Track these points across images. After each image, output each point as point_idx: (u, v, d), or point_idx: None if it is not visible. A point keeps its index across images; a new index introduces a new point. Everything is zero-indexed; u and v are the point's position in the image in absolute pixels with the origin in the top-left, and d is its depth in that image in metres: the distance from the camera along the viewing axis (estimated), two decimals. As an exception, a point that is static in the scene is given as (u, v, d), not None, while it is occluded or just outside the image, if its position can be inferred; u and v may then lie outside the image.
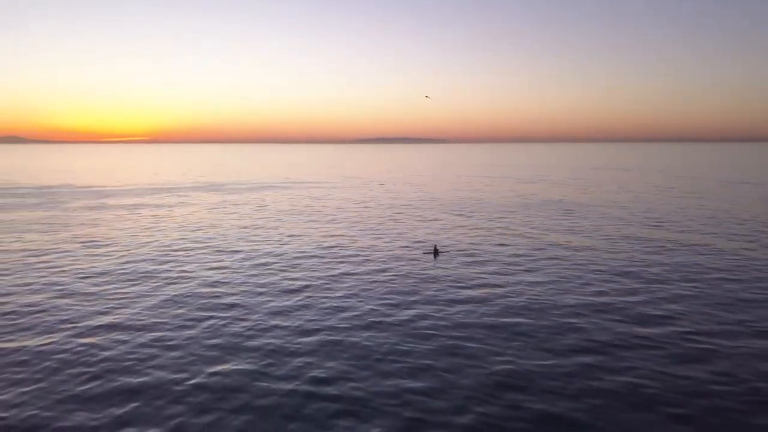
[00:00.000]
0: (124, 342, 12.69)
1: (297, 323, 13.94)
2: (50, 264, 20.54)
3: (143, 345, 12.52)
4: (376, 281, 17.98)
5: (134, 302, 15.74)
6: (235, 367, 11.31)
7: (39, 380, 10.75)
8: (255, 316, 14.48)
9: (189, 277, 18.51)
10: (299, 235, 26.88)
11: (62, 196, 47.38)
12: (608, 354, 11.93)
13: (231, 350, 12.23)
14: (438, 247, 22.95)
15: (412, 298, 16.04)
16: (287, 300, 15.93)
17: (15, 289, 17.14)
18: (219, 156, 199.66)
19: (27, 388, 10.39)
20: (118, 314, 14.67)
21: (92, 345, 12.50)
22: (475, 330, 13.40)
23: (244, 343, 12.62)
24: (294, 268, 19.89)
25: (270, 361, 11.65)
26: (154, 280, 18.15)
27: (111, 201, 43.84)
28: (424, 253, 22.28)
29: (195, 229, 29.09)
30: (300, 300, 15.93)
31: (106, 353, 12.04)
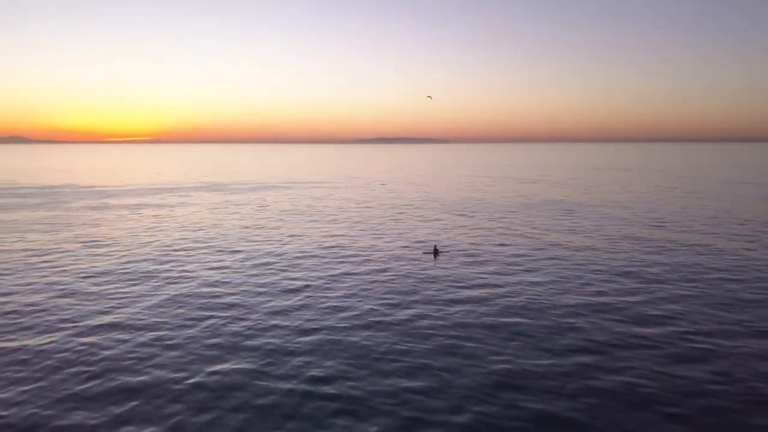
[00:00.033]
0: (124, 341, 12.76)
1: (296, 323, 13.99)
2: (52, 264, 20.62)
3: (143, 344, 12.58)
4: (375, 281, 18.02)
5: (135, 302, 15.81)
6: (234, 367, 11.36)
7: (39, 379, 10.81)
8: (255, 316, 14.53)
9: (189, 277, 18.58)
10: (300, 235, 26.94)
11: (64, 196, 47.51)
12: (606, 354, 11.96)
13: (230, 349, 12.29)
14: (438, 247, 22.98)
15: (412, 298, 16.08)
16: (287, 300, 15.98)
17: (17, 288, 17.22)
18: (220, 156, 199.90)
19: (28, 387, 10.46)
20: (118, 314, 14.74)
21: (93, 344, 12.56)
22: (473, 330, 13.44)
23: (244, 343, 12.67)
24: (294, 268, 19.94)
25: (269, 360, 11.70)
26: (155, 280, 18.21)
27: (113, 201, 43.94)
28: (424, 253, 22.32)
29: (196, 229, 29.16)
30: (300, 300, 15.98)
31: (107, 352, 12.10)
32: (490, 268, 19.69)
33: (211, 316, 14.51)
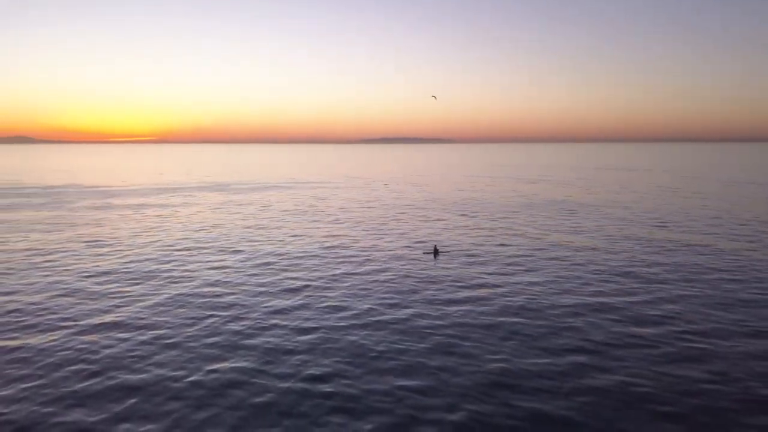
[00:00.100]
0: (125, 340, 12.88)
1: (296, 322, 14.08)
2: (54, 263, 20.78)
3: (144, 343, 12.70)
4: (375, 281, 18.11)
5: (136, 301, 15.93)
6: (233, 365, 11.46)
7: (41, 377, 10.94)
8: (254, 315, 14.64)
9: (191, 277, 18.70)
10: (301, 235, 27.05)
11: (68, 196, 47.75)
12: (603, 353, 12.01)
13: (230, 348, 12.39)
14: (438, 247, 23.05)
15: (411, 298, 16.16)
16: (287, 299, 16.08)
17: (19, 287, 17.37)
18: (224, 156, 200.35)
19: (29, 384, 10.58)
20: (119, 313, 14.86)
21: (93, 343, 12.69)
22: (471, 329, 13.51)
23: (243, 342, 12.77)
24: (295, 267, 20.05)
25: (268, 359, 11.80)
26: (157, 280, 18.34)
27: (116, 201, 44.16)
28: (424, 253, 22.39)
29: (198, 229, 29.31)
30: (300, 299, 16.08)
31: (107, 351, 12.22)
32: (490, 268, 19.75)
33: (212, 316, 14.62)
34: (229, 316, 14.61)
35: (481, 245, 24.19)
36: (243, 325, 13.84)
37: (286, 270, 19.66)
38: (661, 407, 9.71)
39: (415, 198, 45.79)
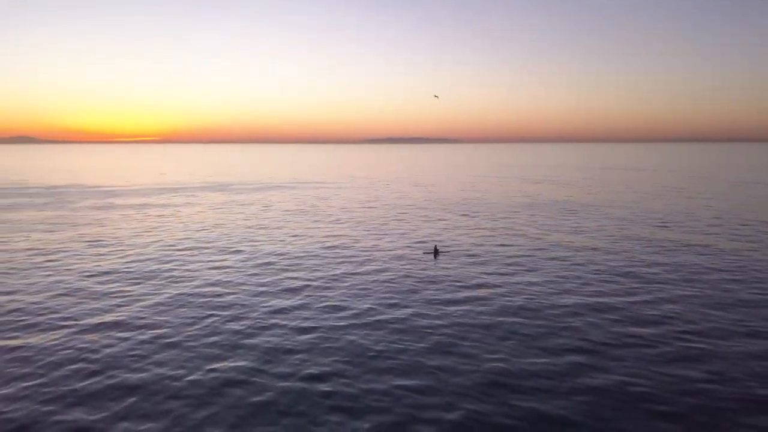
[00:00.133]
0: (125, 339, 12.94)
1: (295, 322, 14.13)
2: (56, 263, 20.87)
3: (144, 342, 12.75)
4: (375, 281, 18.14)
5: (137, 301, 16.00)
6: (233, 364, 11.51)
7: (41, 375, 11.00)
8: (255, 315, 14.69)
9: (192, 277, 18.76)
10: (303, 235, 27.10)
11: (70, 196, 47.91)
12: (602, 353, 12.02)
13: (230, 348, 12.44)
14: (438, 247, 23.08)
15: (410, 298, 16.19)
16: (287, 299, 16.13)
17: (21, 287, 17.46)
18: (228, 156, 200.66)
19: (30, 383, 10.65)
20: (120, 312, 14.93)
21: (94, 342, 12.75)
22: (471, 329, 13.53)
23: (243, 341, 12.82)
24: (296, 267, 20.10)
25: (267, 358, 11.84)
26: (158, 279, 18.41)
27: (118, 201, 44.29)
28: (424, 253, 22.42)
29: (200, 229, 29.39)
30: (300, 299, 16.12)
31: (108, 350, 12.28)
32: (490, 268, 19.77)
33: (212, 315, 14.67)
34: (229, 315, 14.66)
35: (482, 245, 24.21)
36: (243, 325, 13.89)
37: (286, 270, 19.71)
38: (659, 407, 9.72)
39: (417, 198, 45.82)
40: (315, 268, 19.90)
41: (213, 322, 14.16)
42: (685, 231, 27.67)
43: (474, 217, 33.82)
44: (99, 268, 19.92)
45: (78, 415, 9.48)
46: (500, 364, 11.45)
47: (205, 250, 23.29)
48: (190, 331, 13.51)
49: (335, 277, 18.60)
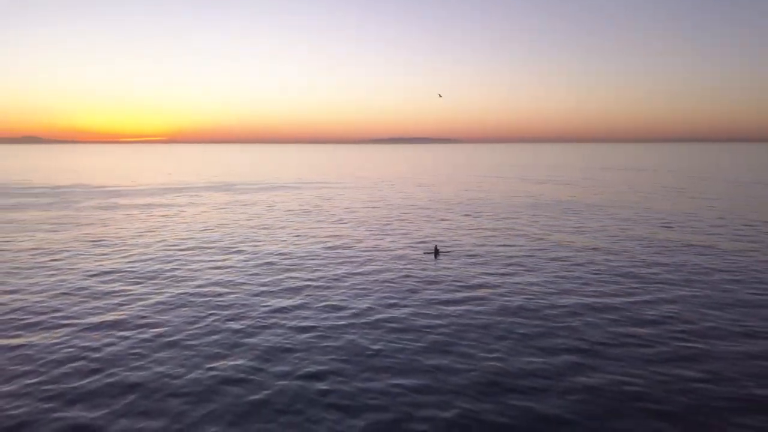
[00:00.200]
0: (126, 338, 13.07)
1: (295, 321, 14.23)
2: (60, 262, 21.05)
3: (145, 341, 12.88)
4: (375, 281, 18.23)
5: (139, 300, 16.14)
6: (232, 363, 11.62)
7: (43, 373, 11.13)
8: (255, 314, 14.80)
9: (194, 276, 18.90)
10: (305, 235, 27.22)
11: (75, 196, 48.19)
12: (600, 353, 12.07)
13: (230, 347, 12.55)
14: (439, 247, 23.15)
15: (410, 298, 16.27)
16: (288, 299, 16.24)
17: (24, 286, 17.63)
18: (231, 156, 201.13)
19: (32, 381, 10.79)
20: (122, 311, 15.07)
21: (96, 341, 12.89)
22: (469, 329, 13.61)
23: (243, 340, 12.93)
24: (297, 267, 20.21)
25: (267, 357, 11.95)
26: (160, 279, 18.55)
27: (123, 201, 44.53)
28: (425, 253, 22.49)
29: (203, 229, 29.55)
30: (300, 299, 16.23)
31: (109, 349, 12.41)
32: (491, 269, 19.83)
33: (213, 314, 14.79)
34: (229, 315, 14.78)
35: (483, 245, 24.27)
36: (243, 324, 14.01)
37: (287, 270, 19.82)
38: (655, 406, 9.77)
39: (419, 198, 45.90)
40: (316, 268, 20.02)
41: (213, 321, 14.28)
42: (687, 231, 27.66)
43: (476, 217, 33.87)
44: (102, 268, 20.09)
45: (78, 412, 9.61)
46: (497, 364, 11.52)
47: (208, 250, 23.43)
48: (191, 330, 13.63)
49: (336, 277, 18.70)
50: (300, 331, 13.48)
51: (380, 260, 21.32)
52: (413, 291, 16.98)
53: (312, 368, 11.34)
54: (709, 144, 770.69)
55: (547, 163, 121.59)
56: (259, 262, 21.13)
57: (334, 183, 64.46)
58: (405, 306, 15.46)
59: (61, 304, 15.67)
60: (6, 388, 10.52)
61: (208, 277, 18.82)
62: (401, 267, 20.16)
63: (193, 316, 14.63)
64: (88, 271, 19.67)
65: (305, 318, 14.46)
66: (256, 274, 19.13)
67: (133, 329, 13.67)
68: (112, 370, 11.26)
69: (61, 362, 11.68)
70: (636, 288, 17.16)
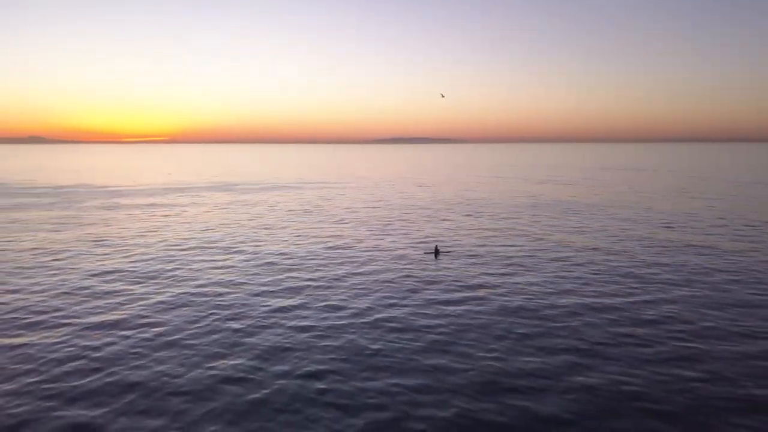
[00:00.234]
0: (127, 337, 13.13)
1: (295, 321, 14.29)
2: (61, 262, 21.13)
3: (146, 340, 12.94)
4: (375, 281, 18.29)
5: (140, 299, 16.21)
6: (232, 362, 11.68)
7: (44, 372, 11.20)
8: (255, 314, 14.86)
9: (195, 276, 18.97)
10: (306, 236, 27.28)
11: (78, 196, 48.32)
12: (599, 353, 12.10)
13: (230, 346, 12.61)
14: (439, 248, 23.19)
15: (410, 298, 16.32)
16: (288, 298, 16.30)
17: (26, 285, 17.71)
18: (234, 156, 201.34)
19: (32, 380, 10.85)
20: (123, 311, 15.14)
21: (96, 340, 12.95)
22: (469, 329, 13.65)
23: (243, 340, 12.99)
24: (298, 267, 20.27)
25: (266, 356, 12.00)
26: (161, 279, 18.63)
27: (125, 201, 44.64)
28: (425, 253, 22.54)
29: (204, 229, 29.62)
30: (301, 298, 16.29)
31: (110, 348, 12.47)
32: (491, 269, 19.88)
33: (213, 314, 14.86)
34: (230, 314, 14.84)
35: (483, 245, 24.31)
36: (243, 324, 14.07)
37: (288, 270, 19.88)
38: (652, 405, 9.80)
39: (420, 198, 45.95)
40: (316, 268, 20.08)
41: (213, 320, 14.35)
42: (687, 231, 27.67)
43: (477, 217, 33.91)
44: (103, 268, 20.17)
45: (79, 410, 9.67)
46: (496, 363, 11.56)
47: (209, 250, 23.51)
48: (191, 329, 13.69)
49: (336, 277, 18.76)
50: (299, 331, 13.54)
51: (381, 260, 21.38)
52: (413, 291, 17.03)
53: (311, 367, 11.40)
54: (709, 144, 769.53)
55: (547, 163, 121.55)
56: (260, 262, 21.20)
57: (335, 183, 64.53)
58: (405, 306, 15.51)
59: (62, 304, 15.75)
60: (7, 386, 10.59)
61: (209, 276, 18.89)
62: (401, 267, 20.21)
63: (194, 316, 14.70)
64: (89, 270, 19.75)
65: (305, 318, 14.53)
66: (257, 274, 19.20)
67: (133, 329, 13.74)
68: (112, 369, 11.33)
69: (61, 361, 11.75)
70: (636, 288, 17.19)
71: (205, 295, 16.69)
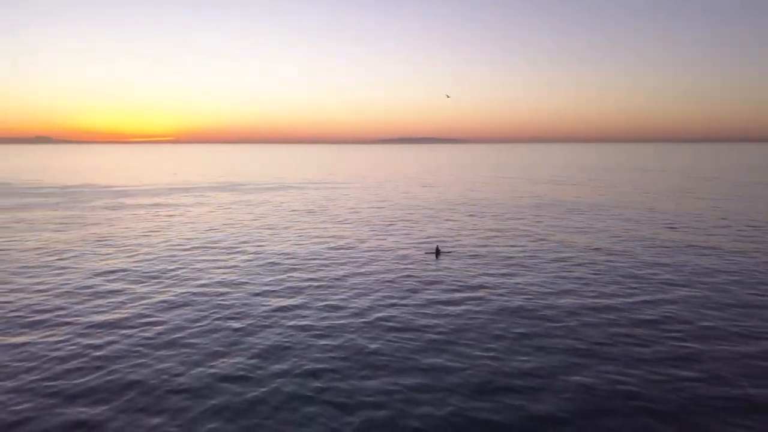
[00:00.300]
0: (128, 336, 13.26)
1: (295, 320, 14.40)
2: (65, 261, 21.32)
3: (147, 339, 13.07)
4: (376, 281, 18.38)
5: (142, 299, 16.36)
6: (232, 361, 11.79)
7: (46, 370, 11.33)
8: (256, 313, 14.98)
9: (197, 276, 19.10)
10: (309, 236, 27.40)
11: (83, 196, 48.62)
12: (596, 353, 12.14)
13: (230, 345, 12.72)
14: (440, 248, 23.25)
15: (410, 297, 16.40)
16: (289, 298, 16.41)
17: (30, 285, 17.89)
18: (238, 156, 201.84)
19: (34, 377, 10.98)
20: (125, 310, 15.28)
21: (98, 339, 13.09)
22: (468, 329, 13.72)
23: (244, 339, 13.10)
24: (300, 267, 20.38)
25: (266, 356, 12.10)
26: (164, 278, 18.77)
27: (129, 201, 44.89)
28: (426, 254, 22.61)
29: (208, 228, 29.79)
30: (302, 298, 16.40)
31: (111, 347, 12.61)
32: (492, 269, 19.93)
33: (214, 313, 14.98)
34: (231, 314, 14.96)
35: (485, 245, 24.36)
36: (244, 323, 14.18)
37: (290, 270, 20.00)
38: (649, 405, 9.83)
39: (424, 198, 46.01)
40: (318, 268, 20.18)
41: (215, 320, 14.46)
42: (690, 232, 27.63)
43: (480, 217, 33.95)
44: (107, 267, 20.34)
45: (80, 408, 9.79)
46: (493, 363, 11.63)
47: (212, 250, 23.66)
48: (192, 328, 13.82)
49: (337, 277, 18.86)
50: (299, 330, 13.64)
51: (382, 260, 21.47)
52: (413, 291, 17.11)
53: (310, 366, 11.49)
54: (709, 144, 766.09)
55: (550, 164, 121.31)
56: (262, 262, 21.32)
57: (339, 183, 64.66)
58: (404, 306, 15.59)
59: (65, 303, 15.92)
60: (10, 384, 10.73)
61: (211, 276, 19.03)
62: (402, 267, 20.29)
63: (195, 315, 14.83)
64: (93, 270, 19.93)
65: (305, 317, 14.63)
66: (259, 274, 19.32)
67: (135, 327, 13.87)
68: (113, 368, 11.46)
69: (63, 359, 11.89)
70: (636, 288, 17.22)
71: (206, 294, 16.82)
